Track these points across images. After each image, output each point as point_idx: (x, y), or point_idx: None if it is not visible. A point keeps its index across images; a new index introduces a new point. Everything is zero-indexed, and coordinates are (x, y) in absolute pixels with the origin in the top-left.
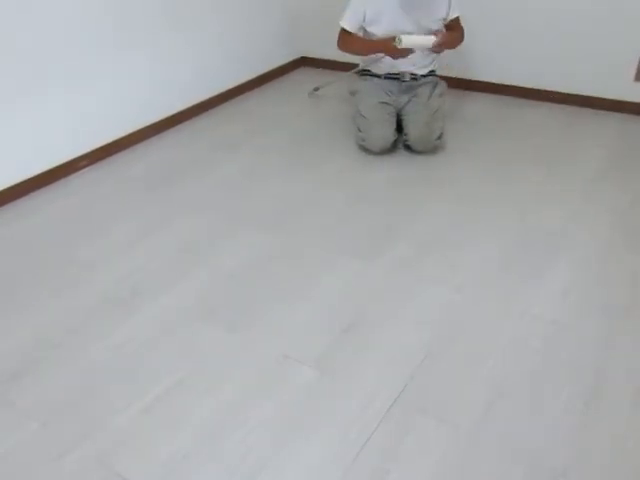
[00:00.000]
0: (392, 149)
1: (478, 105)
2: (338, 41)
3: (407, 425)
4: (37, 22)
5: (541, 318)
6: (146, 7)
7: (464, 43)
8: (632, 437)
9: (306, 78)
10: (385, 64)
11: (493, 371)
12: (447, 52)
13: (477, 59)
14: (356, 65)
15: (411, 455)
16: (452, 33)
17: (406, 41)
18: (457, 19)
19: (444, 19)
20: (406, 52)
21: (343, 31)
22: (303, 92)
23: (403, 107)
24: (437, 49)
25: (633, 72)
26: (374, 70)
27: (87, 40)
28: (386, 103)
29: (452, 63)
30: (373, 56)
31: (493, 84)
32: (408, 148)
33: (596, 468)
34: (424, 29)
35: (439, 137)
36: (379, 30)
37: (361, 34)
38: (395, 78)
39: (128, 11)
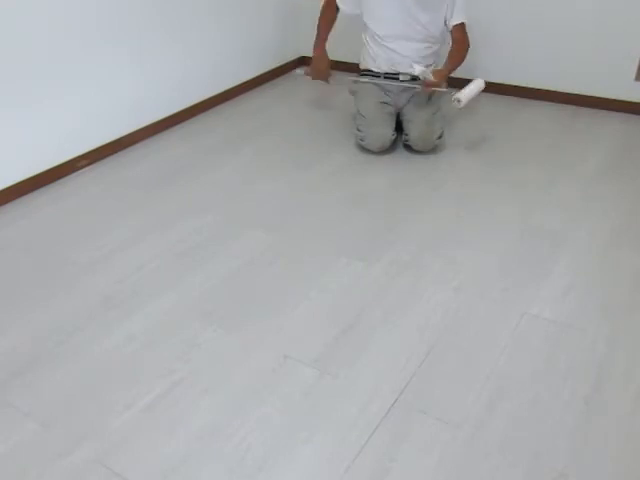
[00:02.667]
0: (391, 148)
1: (478, 105)
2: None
3: (407, 425)
4: (37, 23)
5: (541, 318)
6: (146, 8)
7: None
8: (633, 437)
9: (306, 78)
10: (383, 64)
11: (493, 371)
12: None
13: (477, 59)
14: (355, 65)
15: (411, 455)
16: (440, 70)
17: (300, 71)
18: (461, 26)
19: (444, 20)
20: (320, 73)
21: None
22: (303, 92)
23: (403, 107)
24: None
25: (633, 72)
26: (374, 69)
27: (87, 40)
28: (385, 103)
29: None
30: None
31: (493, 84)
32: (408, 148)
33: (596, 468)
34: (414, 20)
35: (439, 137)
36: (372, 22)
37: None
38: (394, 77)
39: (127, 11)
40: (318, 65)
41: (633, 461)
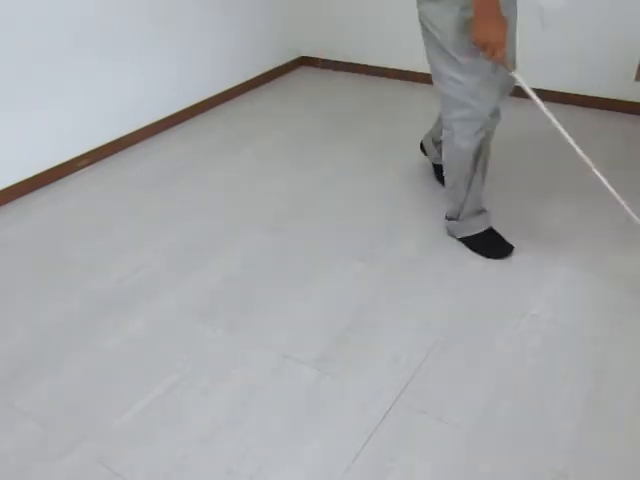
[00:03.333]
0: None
1: None
2: None
3: (407, 425)
4: (37, 23)
5: (541, 318)
6: (145, 8)
7: None
8: (632, 437)
9: (306, 78)
10: None
11: (493, 371)
12: None
13: None
14: (360, 65)
15: (411, 455)
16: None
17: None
18: None
19: None
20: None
21: None
22: (303, 92)
23: None
24: None
25: (633, 72)
26: None
27: (87, 40)
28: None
29: None
30: None
31: None
32: None
33: (596, 468)
34: None
35: None
36: None
37: None
38: None
39: (127, 12)
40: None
41: (633, 461)
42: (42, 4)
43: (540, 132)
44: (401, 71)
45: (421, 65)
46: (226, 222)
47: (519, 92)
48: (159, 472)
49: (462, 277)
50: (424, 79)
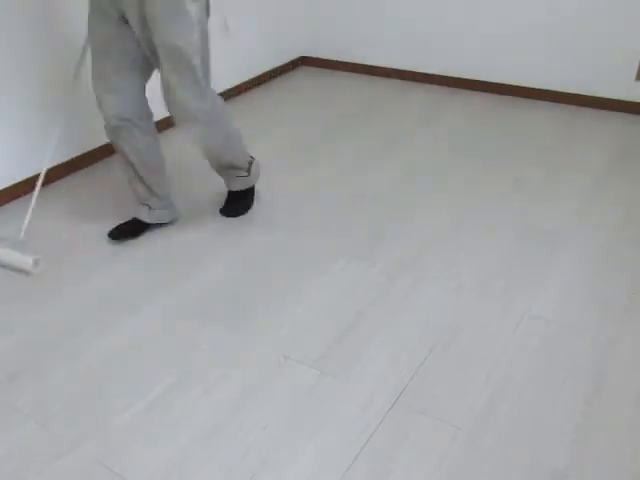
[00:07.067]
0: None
1: (477, 104)
2: None
3: (407, 425)
4: (42, 22)
5: (541, 318)
6: None
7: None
8: (633, 437)
9: (306, 78)
10: None
11: (493, 371)
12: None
13: (476, 58)
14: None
15: (411, 455)
16: None
17: None
18: None
19: None
20: None
21: None
22: (303, 92)
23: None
24: None
25: (634, 72)
26: None
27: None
28: None
29: (449, 62)
30: None
31: (493, 83)
32: None
33: (596, 468)
34: None
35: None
36: None
37: None
38: None
39: None
40: None
41: (633, 461)
42: (41, 3)
43: None
44: (401, 71)
45: (421, 65)
46: (226, 222)
47: None
48: (159, 472)
49: (462, 277)
50: (424, 79)
